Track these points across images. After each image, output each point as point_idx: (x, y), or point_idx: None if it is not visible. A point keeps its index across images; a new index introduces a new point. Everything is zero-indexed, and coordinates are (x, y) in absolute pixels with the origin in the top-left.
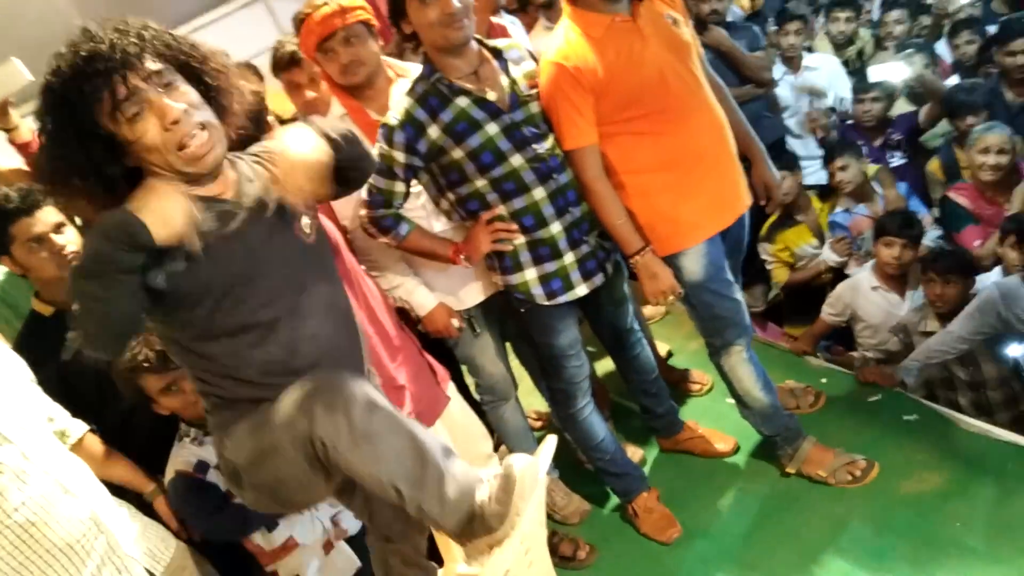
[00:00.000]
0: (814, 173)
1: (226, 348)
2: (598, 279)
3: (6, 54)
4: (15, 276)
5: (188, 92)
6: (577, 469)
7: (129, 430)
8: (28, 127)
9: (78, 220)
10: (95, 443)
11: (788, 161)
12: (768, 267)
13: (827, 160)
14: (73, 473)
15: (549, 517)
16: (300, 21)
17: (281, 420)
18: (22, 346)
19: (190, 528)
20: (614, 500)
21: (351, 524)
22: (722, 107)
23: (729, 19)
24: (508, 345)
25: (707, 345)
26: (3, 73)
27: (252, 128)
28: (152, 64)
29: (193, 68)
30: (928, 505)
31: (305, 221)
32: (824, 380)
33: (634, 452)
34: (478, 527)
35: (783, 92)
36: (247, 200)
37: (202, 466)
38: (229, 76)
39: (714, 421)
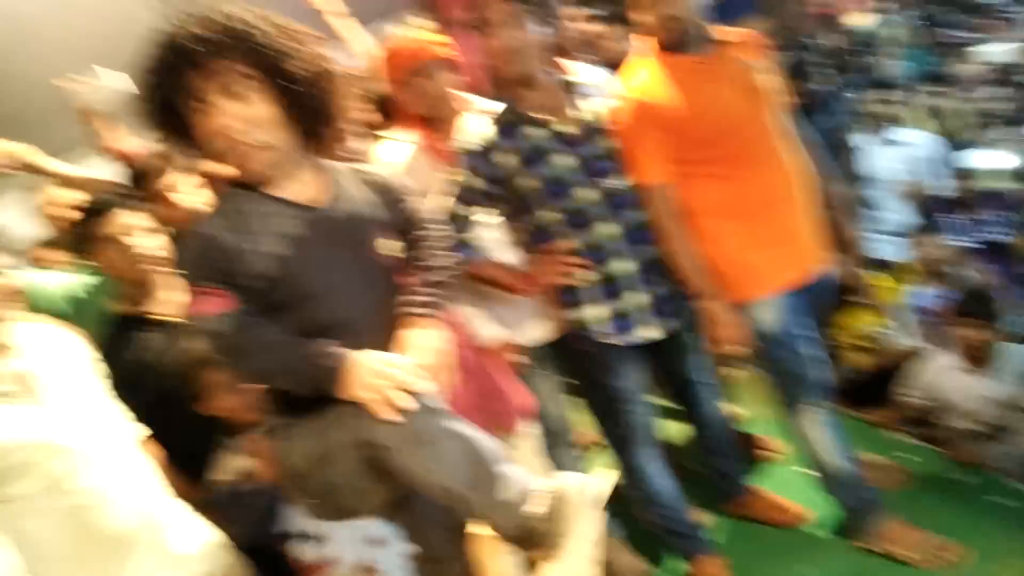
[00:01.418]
0: (882, 248)
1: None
2: (669, 324)
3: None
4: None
5: (258, 107)
6: (635, 524)
7: (177, 438)
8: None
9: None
10: (152, 447)
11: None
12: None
13: (916, 234)
14: (134, 465)
15: None
16: (387, 53)
17: (340, 424)
18: (97, 344)
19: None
20: (671, 564)
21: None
22: (802, 160)
23: None
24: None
25: (781, 404)
26: (98, 88)
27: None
28: (232, 66)
29: (286, 70)
30: None
31: (389, 243)
32: (910, 456)
33: (697, 514)
34: (529, 540)
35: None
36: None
37: (241, 476)
38: (331, 79)
39: (784, 489)
